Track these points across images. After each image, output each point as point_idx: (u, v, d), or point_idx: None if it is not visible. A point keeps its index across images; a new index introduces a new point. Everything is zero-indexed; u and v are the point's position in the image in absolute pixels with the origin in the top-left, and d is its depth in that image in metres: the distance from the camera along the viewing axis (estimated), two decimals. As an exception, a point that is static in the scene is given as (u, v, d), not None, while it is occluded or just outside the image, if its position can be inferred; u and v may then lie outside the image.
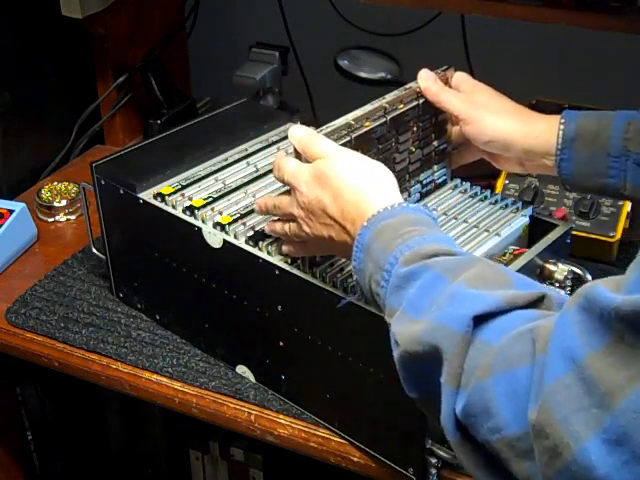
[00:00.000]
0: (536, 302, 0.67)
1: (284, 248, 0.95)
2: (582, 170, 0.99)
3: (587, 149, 0.98)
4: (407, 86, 1.05)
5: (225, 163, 1.18)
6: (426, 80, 1.04)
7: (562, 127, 0.99)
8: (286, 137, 1.21)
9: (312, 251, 0.93)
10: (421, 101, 1.04)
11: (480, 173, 1.25)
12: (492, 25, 1.50)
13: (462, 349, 0.65)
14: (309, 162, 0.88)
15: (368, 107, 0.99)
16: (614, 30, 1.29)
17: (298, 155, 0.90)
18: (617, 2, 1.23)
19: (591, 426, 0.55)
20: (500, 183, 1.34)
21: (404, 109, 1.02)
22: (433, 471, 0.93)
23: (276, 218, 0.95)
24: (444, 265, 0.73)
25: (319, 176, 0.85)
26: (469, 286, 0.69)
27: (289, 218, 0.91)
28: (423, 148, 1.07)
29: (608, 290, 0.57)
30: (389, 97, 1.02)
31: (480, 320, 0.66)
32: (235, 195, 1.10)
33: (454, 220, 1.05)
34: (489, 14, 1.34)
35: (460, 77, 1.06)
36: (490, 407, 0.62)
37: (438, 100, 1.04)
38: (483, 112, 1.01)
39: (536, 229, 1.06)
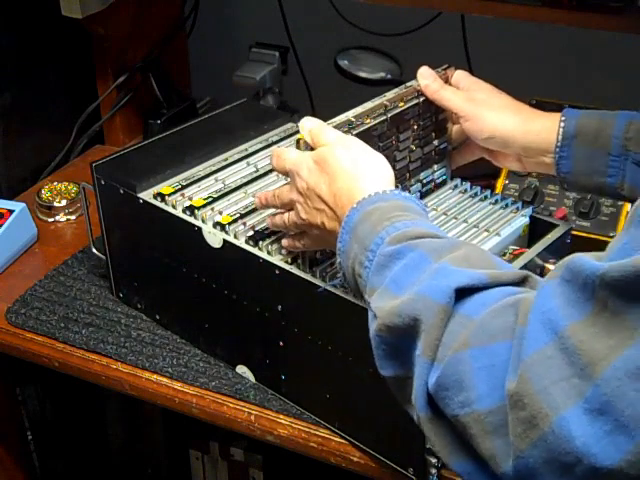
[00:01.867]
0: (520, 281, 0.67)
1: (284, 242, 0.95)
2: (581, 168, 0.99)
3: (587, 147, 0.98)
4: (408, 84, 1.05)
5: (225, 163, 1.17)
6: (425, 78, 1.04)
7: (562, 124, 0.99)
8: (286, 137, 1.22)
9: (310, 243, 0.93)
10: (421, 99, 1.04)
11: (480, 173, 1.25)
12: (492, 25, 1.50)
13: (441, 320, 0.64)
14: None
15: (369, 104, 1.00)
16: (614, 30, 1.29)
17: (298, 148, 0.91)
18: (617, 2, 1.23)
19: (571, 396, 0.54)
20: (500, 183, 1.34)
21: (404, 107, 1.03)
22: (433, 471, 0.93)
23: (276, 211, 0.95)
24: (430, 246, 0.72)
25: (319, 162, 0.86)
26: (453, 265, 0.68)
27: (288, 207, 0.91)
28: (423, 147, 1.07)
29: (592, 260, 0.57)
30: (389, 95, 1.02)
31: (463, 294, 0.65)
32: (235, 195, 1.09)
33: (454, 220, 1.05)
34: (489, 14, 1.34)
35: (460, 75, 1.06)
36: (464, 380, 0.61)
37: (437, 97, 1.04)
38: (483, 108, 1.02)
39: (536, 229, 1.06)
